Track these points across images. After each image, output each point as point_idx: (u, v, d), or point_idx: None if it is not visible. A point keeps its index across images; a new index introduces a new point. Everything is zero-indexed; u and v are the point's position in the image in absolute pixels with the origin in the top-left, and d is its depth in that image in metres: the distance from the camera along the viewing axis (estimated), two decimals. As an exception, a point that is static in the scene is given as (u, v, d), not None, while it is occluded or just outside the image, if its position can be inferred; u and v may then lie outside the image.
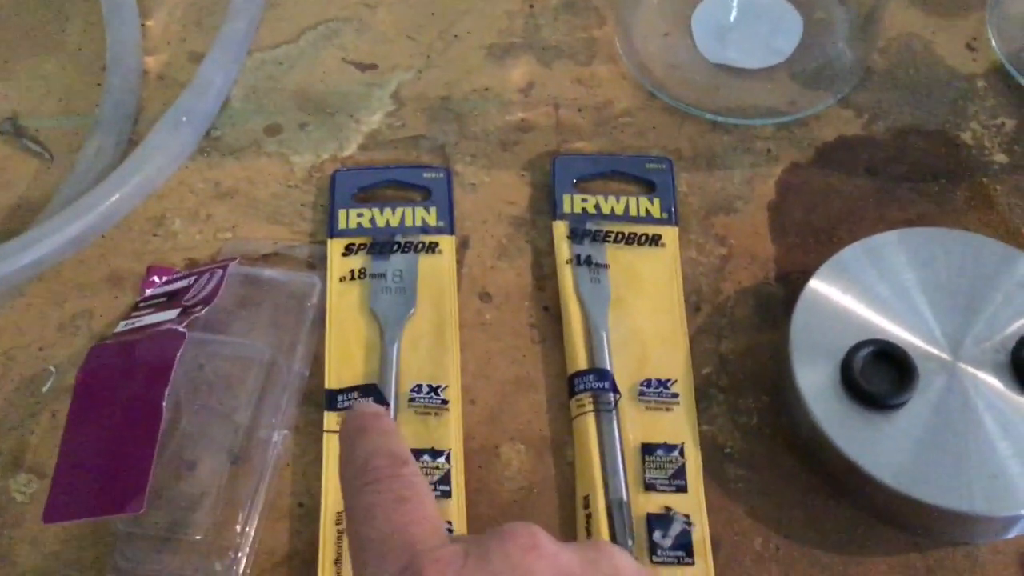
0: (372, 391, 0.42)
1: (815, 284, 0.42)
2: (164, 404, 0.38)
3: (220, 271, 0.43)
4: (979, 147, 0.49)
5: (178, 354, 0.39)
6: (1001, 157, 0.49)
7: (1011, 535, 0.39)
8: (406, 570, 0.28)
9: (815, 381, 0.40)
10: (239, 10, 0.52)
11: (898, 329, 0.41)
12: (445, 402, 0.42)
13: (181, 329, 0.40)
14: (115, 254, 0.46)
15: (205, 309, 0.42)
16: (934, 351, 0.40)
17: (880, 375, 0.39)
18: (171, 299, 0.44)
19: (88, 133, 0.49)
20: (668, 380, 0.42)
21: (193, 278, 0.44)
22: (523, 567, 0.28)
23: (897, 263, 0.42)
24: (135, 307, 0.44)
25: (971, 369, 0.40)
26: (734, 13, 0.53)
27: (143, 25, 0.54)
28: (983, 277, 0.42)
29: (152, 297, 0.44)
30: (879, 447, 0.38)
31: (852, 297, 0.41)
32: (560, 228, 0.46)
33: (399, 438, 0.32)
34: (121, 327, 0.43)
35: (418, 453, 0.40)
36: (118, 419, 0.39)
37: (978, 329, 0.41)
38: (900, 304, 0.41)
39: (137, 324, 0.43)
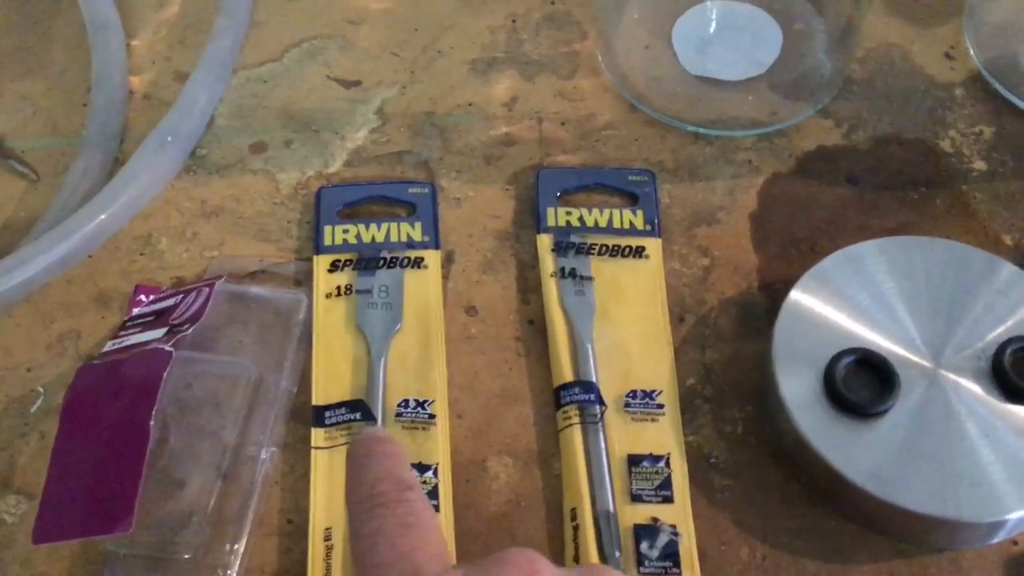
0: (359, 407, 0.42)
1: (796, 294, 0.42)
2: (151, 424, 0.38)
3: (207, 289, 0.44)
4: (958, 155, 0.49)
5: (165, 373, 0.39)
6: (980, 165, 0.49)
7: (995, 541, 0.39)
8: None
9: (798, 390, 0.40)
10: (223, 29, 0.53)
11: (879, 337, 0.41)
12: (432, 416, 0.42)
13: (168, 348, 0.40)
14: (102, 274, 0.46)
15: (192, 328, 0.42)
16: (915, 359, 0.41)
17: (862, 383, 0.40)
18: (158, 318, 0.44)
19: (74, 154, 0.50)
20: (653, 391, 0.43)
21: (180, 297, 0.44)
22: None
23: (877, 272, 0.42)
24: (122, 326, 0.44)
25: (952, 376, 0.40)
26: (714, 26, 0.53)
27: (128, 45, 0.54)
28: (963, 285, 0.42)
29: (139, 316, 0.45)
30: (862, 455, 0.39)
31: (833, 306, 0.42)
32: (544, 241, 0.47)
33: (405, 463, 0.33)
34: (108, 347, 0.43)
35: (406, 468, 0.41)
36: (106, 439, 0.39)
37: (959, 336, 0.41)
38: (881, 313, 0.41)
39: (124, 343, 0.43)
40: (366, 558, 0.30)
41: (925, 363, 0.40)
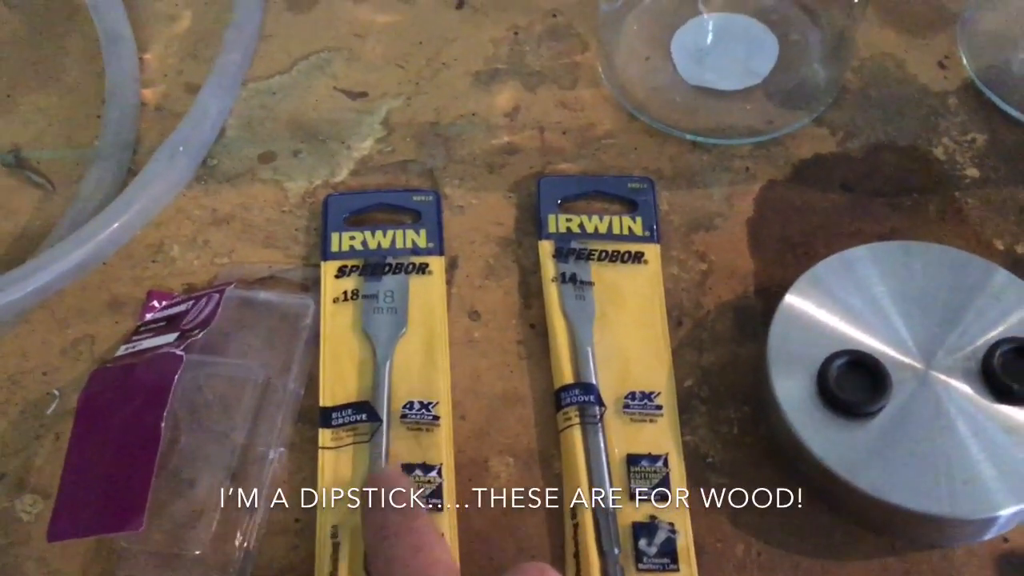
0: (365, 408, 0.43)
1: (791, 298, 0.43)
2: (162, 425, 0.40)
3: (217, 295, 0.45)
4: (951, 162, 0.50)
5: (176, 376, 0.41)
6: (972, 171, 0.50)
7: (986, 537, 0.40)
8: None
9: (792, 391, 0.41)
10: (233, 42, 0.54)
11: (872, 340, 0.42)
12: (436, 418, 0.43)
13: (179, 352, 0.42)
14: (116, 281, 0.48)
15: (203, 332, 0.43)
16: (907, 360, 0.41)
17: (855, 384, 0.41)
18: (170, 323, 0.45)
19: (88, 164, 0.51)
20: (652, 392, 0.44)
21: (191, 302, 0.46)
22: None
23: (870, 276, 0.43)
24: (135, 331, 0.46)
25: (943, 377, 0.41)
26: (711, 37, 0.55)
27: (141, 58, 0.55)
28: (955, 288, 0.43)
29: (152, 322, 0.46)
30: (855, 454, 0.40)
31: (827, 309, 0.43)
32: (546, 247, 0.48)
33: (411, 495, 0.37)
34: (121, 351, 0.44)
35: (410, 467, 0.42)
36: (118, 440, 0.40)
37: (950, 338, 0.42)
38: (873, 316, 0.42)
39: (137, 348, 0.44)
40: None
41: (916, 364, 0.41)
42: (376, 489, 0.37)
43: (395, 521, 0.35)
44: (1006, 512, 0.39)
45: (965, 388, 0.41)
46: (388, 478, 0.38)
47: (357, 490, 0.41)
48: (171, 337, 0.44)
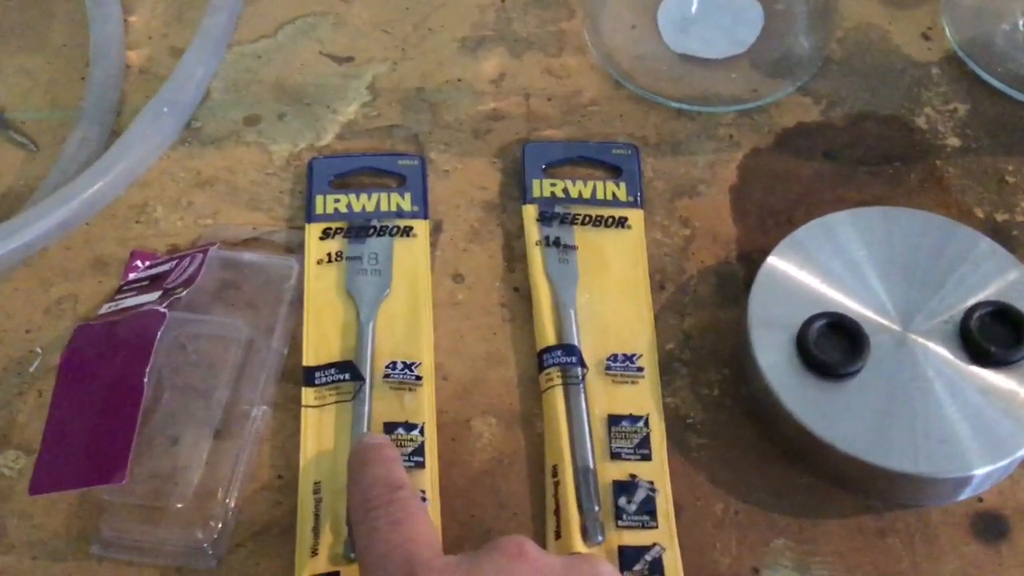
0: (348, 367, 0.43)
1: (772, 261, 0.44)
2: (145, 381, 0.40)
3: (200, 255, 0.45)
4: (932, 131, 0.51)
5: (159, 333, 0.41)
6: (953, 140, 0.50)
7: (961, 497, 0.41)
8: None
9: (772, 353, 0.41)
10: (219, 6, 0.54)
11: (851, 302, 0.42)
12: (419, 378, 0.43)
13: (161, 309, 0.42)
14: (99, 240, 0.48)
15: (186, 291, 0.43)
16: (885, 323, 0.42)
17: (833, 346, 0.41)
18: (153, 282, 0.45)
19: (72, 125, 0.51)
20: (634, 355, 0.44)
21: (175, 262, 0.46)
22: (508, 570, 0.32)
23: (850, 241, 0.44)
24: (119, 290, 0.46)
25: (921, 339, 0.42)
26: (697, 5, 0.55)
27: (126, 21, 0.55)
28: (934, 254, 0.44)
29: (135, 281, 0.46)
30: (833, 414, 0.40)
31: (807, 273, 0.43)
32: (530, 211, 0.48)
33: (397, 464, 0.37)
34: (105, 309, 0.44)
35: (393, 426, 0.42)
36: (101, 396, 0.40)
37: (929, 302, 0.43)
38: (853, 279, 0.43)
39: (120, 306, 0.44)
40: (365, 555, 0.34)
41: (895, 327, 0.42)
42: (360, 460, 0.37)
43: (377, 494, 0.35)
44: (980, 471, 0.39)
45: (942, 350, 0.41)
46: (372, 446, 0.38)
47: (341, 449, 0.41)
48: (154, 295, 0.44)
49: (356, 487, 0.36)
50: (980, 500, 0.41)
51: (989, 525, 0.40)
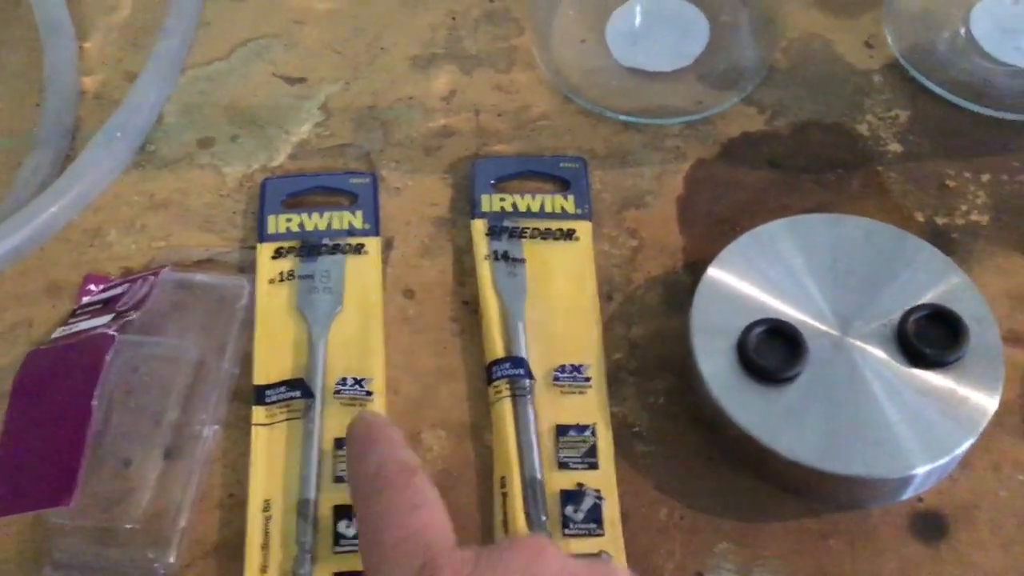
0: (299, 385, 0.44)
1: (713, 272, 0.44)
2: (94, 404, 0.40)
3: (152, 277, 0.46)
4: (875, 138, 0.52)
5: (108, 356, 0.41)
6: (895, 147, 0.51)
7: (904, 497, 0.42)
8: (423, 569, 0.30)
9: (714, 361, 0.42)
10: (172, 29, 0.55)
11: (789, 309, 0.43)
12: (370, 393, 0.44)
13: (111, 333, 0.42)
14: (53, 265, 0.48)
15: (137, 314, 0.44)
16: (823, 328, 0.43)
17: (773, 351, 0.42)
18: (106, 306, 0.46)
19: (26, 152, 0.51)
20: (581, 365, 0.45)
21: (127, 285, 0.46)
22: (531, 570, 0.30)
23: (789, 249, 0.45)
24: (72, 314, 0.46)
25: (859, 343, 0.42)
26: (644, 19, 0.56)
27: (80, 47, 0.56)
28: (872, 259, 0.44)
29: (88, 305, 0.46)
30: (774, 419, 0.41)
31: (748, 282, 0.44)
32: (479, 226, 0.49)
33: (406, 447, 0.34)
34: (58, 333, 0.45)
35: (343, 441, 0.42)
36: (52, 420, 0.41)
37: (867, 307, 0.43)
38: (792, 287, 0.44)
39: (73, 330, 0.45)
40: (376, 537, 0.32)
41: (833, 331, 0.43)
42: (366, 436, 0.35)
43: (391, 475, 0.33)
44: (921, 471, 0.40)
45: (880, 354, 0.42)
46: (376, 423, 0.35)
47: (291, 467, 0.42)
48: (106, 319, 0.44)
49: (363, 464, 0.34)
50: (920, 500, 0.42)
51: (928, 525, 0.41)
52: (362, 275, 0.47)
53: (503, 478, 0.42)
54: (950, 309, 0.42)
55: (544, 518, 0.41)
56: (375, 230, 0.49)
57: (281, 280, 0.47)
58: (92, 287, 0.47)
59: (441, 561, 0.30)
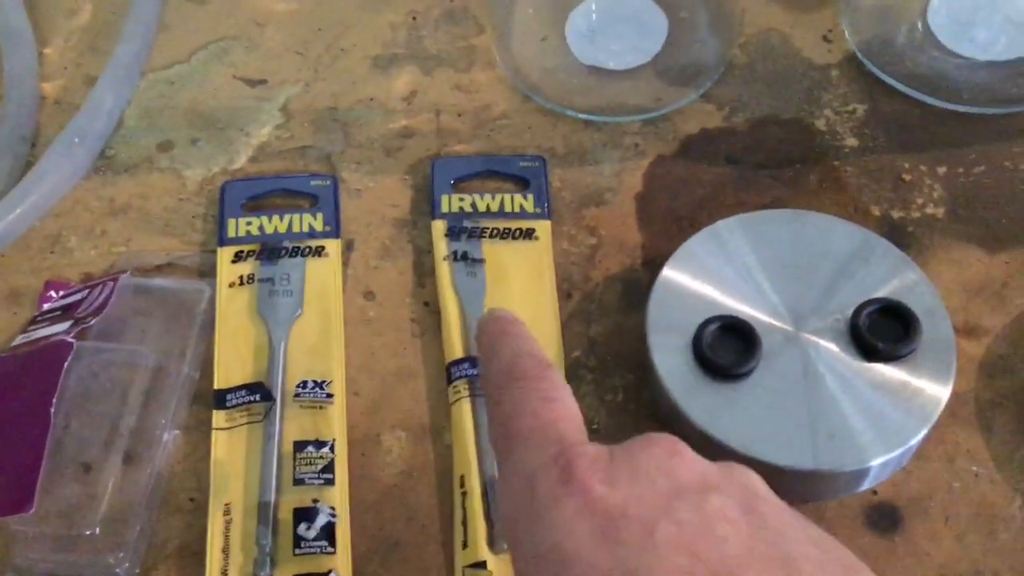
0: (259, 389, 0.44)
1: (668, 270, 0.45)
2: (52, 411, 0.40)
3: (111, 283, 0.46)
4: (832, 132, 0.52)
5: (66, 363, 0.41)
6: (852, 141, 0.52)
7: (859, 490, 0.42)
8: (557, 459, 0.29)
9: (670, 358, 0.43)
10: (131, 33, 0.55)
11: (743, 305, 0.43)
12: (330, 395, 0.44)
13: (69, 339, 0.42)
14: (13, 272, 0.48)
15: (96, 320, 0.44)
16: (777, 323, 0.43)
17: (727, 348, 0.42)
18: (65, 312, 0.46)
19: (-15, 158, 0.51)
20: (540, 364, 0.45)
21: (87, 291, 0.46)
22: (667, 467, 0.29)
23: (742, 246, 0.45)
24: (32, 321, 0.46)
25: (812, 338, 0.43)
26: (604, 17, 0.56)
27: (40, 53, 0.56)
28: (824, 253, 0.45)
29: (48, 311, 0.46)
30: (730, 415, 0.41)
31: (702, 280, 0.44)
32: (438, 227, 0.49)
33: (537, 344, 0.34)
34: (18, 340, 0.45)
35: (303, 444, 0.43)
36: (10, 427, 0.41)
37: (821, 302, 0.44)
38: (745, 283, 0.44)
39: (33, 337, 0.45)
40: (507, 427, 0.31)
41: (787, 327, 0.43)
42: (498, 329, 0.34)
43: (526, 367, 0.32)
44: (876, 463, 0.40)
45: (833, 348, 0.43)
46: (509, 319, 0.35)
47: (251, 470, 0.42)
48: (65, 325, 0.44)
49: (496, 357, 0.33)
50: (874, 493, 0.42)
51: (883, 516, 0.42)
52: (322, 277, 0.48)
53: (462, 477, 0.42)
54: (902, 303, 0.43)
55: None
56: (336, 232, 0.49)
57: (241, 284, 0.47)
58: (53, 293, 0.47)
59: (576, 451, 0.29)
